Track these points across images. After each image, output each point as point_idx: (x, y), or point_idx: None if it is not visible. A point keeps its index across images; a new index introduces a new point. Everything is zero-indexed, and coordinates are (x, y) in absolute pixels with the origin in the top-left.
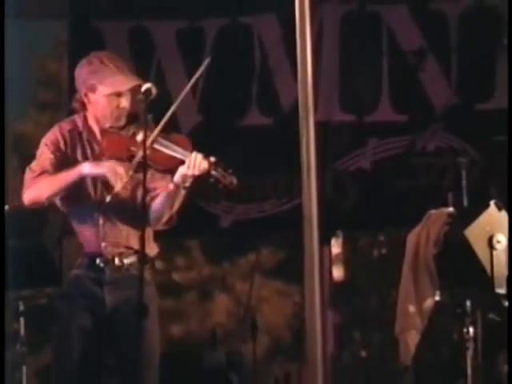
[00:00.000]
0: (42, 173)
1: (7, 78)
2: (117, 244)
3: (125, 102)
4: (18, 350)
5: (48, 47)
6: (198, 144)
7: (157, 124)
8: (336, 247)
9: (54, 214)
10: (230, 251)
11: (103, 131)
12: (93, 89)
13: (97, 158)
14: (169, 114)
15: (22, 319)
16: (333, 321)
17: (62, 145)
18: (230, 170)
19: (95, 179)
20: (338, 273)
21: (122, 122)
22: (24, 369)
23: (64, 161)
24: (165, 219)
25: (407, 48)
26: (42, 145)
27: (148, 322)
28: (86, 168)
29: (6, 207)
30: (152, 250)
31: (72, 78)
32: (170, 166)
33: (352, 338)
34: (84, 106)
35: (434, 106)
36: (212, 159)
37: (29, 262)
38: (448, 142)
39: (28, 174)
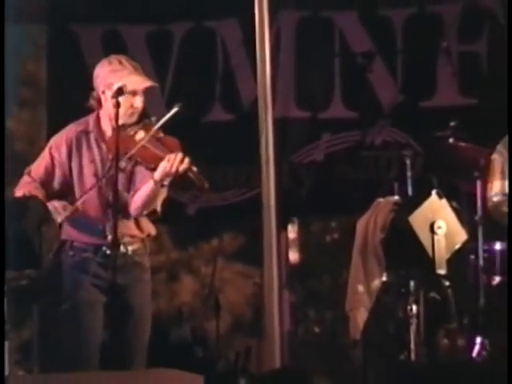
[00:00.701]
0: (32, 181)
1: None
2: (121, 234)
3: (138, 102)
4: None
5: (28, 49)
6: None
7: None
8: (292, 233)
9: (34, 203)
10: (195, 237)
11: (113, 133)
12: (110, 87)
13: (104, 155)
14: (162, 121)
15: (5, 299)
16: (289, 300)
17: (64, 150)
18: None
19: None
20: (293, 256)
21: (134, 119)
22: (6, 344)
23: (60, 168)
24: (145, 212)
25: (357, 50)
26: (46, 148)
27: (144, 308)
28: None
29: None
30: (153, 231)
31: (50, 78)
32: (156, 165)
33: (306, 315)
34: (100, 104)
35: (382, 103)
36: (187, 161)
37: (11, 247)
38: (394, 137)
39: (25, 178)
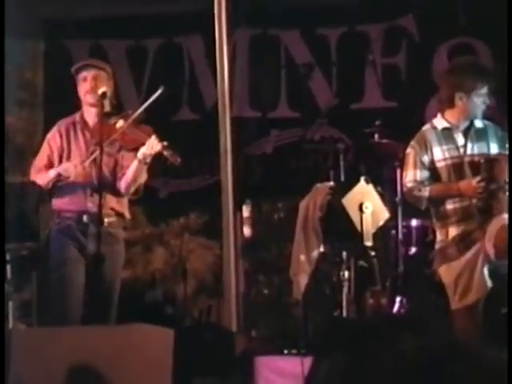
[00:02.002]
0: (39, 172)
1: None
2: (100, 206)
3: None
4: (6, 290)
5: (27, 60)
6: None
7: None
8: (246, 212)
9: (33, 188)
10: (166, 215)
11: (95, 122)
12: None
13: (87, 142)
14: (138, 111)
15: (8, 266)
16: (243, 267)
17: (58, 139)
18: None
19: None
20: (247, 231)
21: (107, 108)
22: (10, 303)
23: (59, 151)
24: (133, 188)
25: (299, 62)
26: (45, 141)
27: (115, 268)
28: (51, 173)
29: None
30: (127, 214)
31: (46, 84)
32: (136, 146)
33: (257, 279)
34: (81, 103)
35: (320, 105)
36: (164, 143)
37: (14, 223)
38: (329, 133)
39: (32, 171)
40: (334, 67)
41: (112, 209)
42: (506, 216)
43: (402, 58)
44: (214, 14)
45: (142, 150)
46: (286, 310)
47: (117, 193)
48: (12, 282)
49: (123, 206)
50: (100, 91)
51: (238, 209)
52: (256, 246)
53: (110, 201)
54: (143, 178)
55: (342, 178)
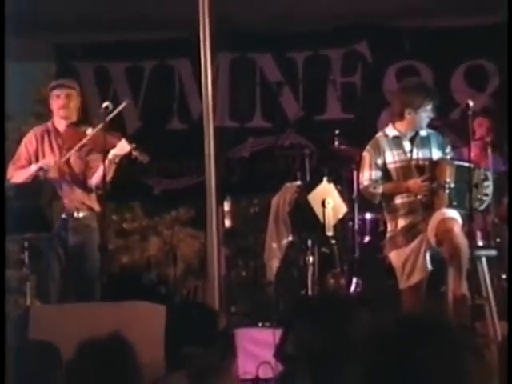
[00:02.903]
0: (17, 168)
1: (16, 99)
2: (77, 202)
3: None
4: (24, 272)
5: (41, 79)
6: (140, 141)
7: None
8: (227, 207)
9: (47, 186)
10: (160, 210)
11: (66, 129)
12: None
13: (60, 146)
14: (106, 120)
15: (26, 252)
16: (224, 253)
17: (34, 143)
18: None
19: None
20: (228, 223)
21: (71, 118)
22: (28, 284)
23: (35, 153)
24: (101, 185)
25: (271, 80)
26: (22, 144)
27: (93, 253)
28: (33, 167)
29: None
30: (96, 207)
31: None
32: (107, 149)
33: (236, 264)
34: (52, 114)
35: (289, 117)
36: (133, 145)
37: (30, 216)
38: (297, 140)
39: (10, 167)
40: (301, 85)
41: (83, 203)
42: (445, 210)
43: (357, 78)
44: (199, 41)
45: (113, 152)
46: (261, 289)
47: (87, 190)
48: (29, 265)
49: (93, 201)
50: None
51: (219, 204)
52: (235, 235)
53: (82, 197)
54: (111, 175)
55: (308, 179)
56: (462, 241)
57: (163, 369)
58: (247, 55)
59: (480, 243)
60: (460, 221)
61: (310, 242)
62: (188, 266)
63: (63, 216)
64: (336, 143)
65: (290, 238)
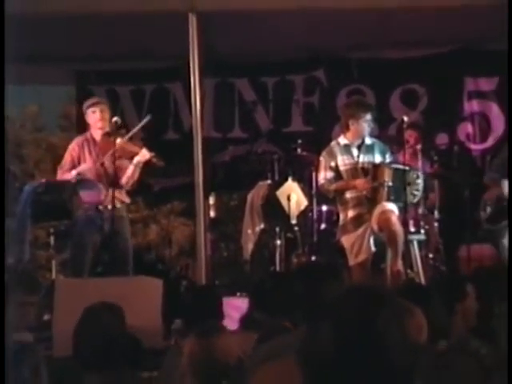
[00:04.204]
0: (64, 172)
1: (44, 115)
2: (108, 197)
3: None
4: (50, 252)
5: (65, 99)
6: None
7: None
8: (212, 200)
9: (68, 186)
10: (158, 203)
11: (101, 138)
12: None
13: (97, 153)
14: (131, 133)
15: (52, 236)
16: (210, 238)
17: (76, 150)
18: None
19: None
20: (212, 213)
21: (106, 128)
22: (53, 262)
23: (77, 159)
24: (130, 184)
25: (247, 100)
26: (67, 151)
27: (126, 237)
28: (73, 173)
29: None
30: (127, 200)
31: (78, 115)
32: (132, 156)
33: (219, 246)
34: (89, 127)
35: (261, 129)
36: (152, 153)
37: (55, 207)
38: (268, 148)
39: (59, 171)
40: (271, 103)
41: (116, 198)
42: (384, 204)
43: (316, 98)
44: (190, 69)
45: (137, 158)
46: (239, 266)
47: (119, 187)
48: (54, 247)
49: (123, 196)
50: (113, 120)
51: (206, 198)
52: (218, 223)
53: (116, 193)
54: (136, 176)
55: (276, 178)
56: (398, 228)
57: (160, 328)
58: (228, 80)
59: (412, 229)
60: (397, 212)
61: (277, 229)
62: (180, 248)
63: (100, 207)
64: (298, 150)
65: (262, 226)
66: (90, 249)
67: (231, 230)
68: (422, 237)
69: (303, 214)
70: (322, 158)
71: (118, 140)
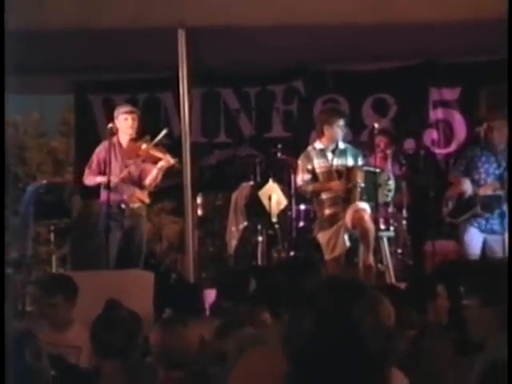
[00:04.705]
0: (90, 173)
1: (46, 122)
2: (134, 197)
3: (131, 121)
4: (51, 248)
5: (64, 106)
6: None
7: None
8: (199, 200)
9: (68, 186)
10: (150, 202)
11: (127, 143)
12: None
13: (122, 156)
14: (155, 141)
15: (52, 233)
16: (197, 234)
17: (103, 152)
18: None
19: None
20: (200, 212)
21: (134, 135)
22: (53, 257)
23: (103, 162)
24: (153, 186)
25: (232, 108)
26: (94, 153)
27: (142, 232)
28: (98, 179)
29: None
30: (147, 200)
31: (77, 121)
32: (156, 160)
33: (206, 242)
34: (117, 131)
35: (244, 135)
36: (176, 159)
37: (55, 206)
38: (250, 152)
39: (87, 171)
40: (253, 111)
41: (138, 198)
42: (358, 203)
43: (294, 106)
44: (179, 79)
45: (161, 163)
46: (224, 261)
47: (142, 187)
48: (54, 243)
49: (145, 196)
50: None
51: (194, 198)
52: (205, 221)
53: (137, 193)
54: (159, 179)
55: (258, 180)
56: (370, 225)
57: (151, 317)
58: (214, 90)
59: (382, 227)
60: (369, 211)
61: (259, 226)
62: (170, 244)
63: (122, 206)
64: (278, 154)
65: (245, 224)
66: (115, 242)
67: (217, 227)
68: (391, 233)
69: (283, 213)
70: (299, 162)
71: (144, 146)
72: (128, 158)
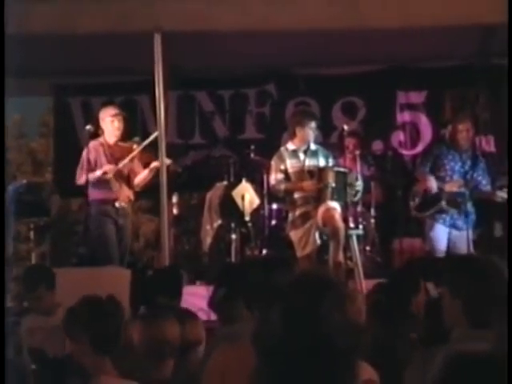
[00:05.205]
0: (83, 173)
1: (26, 123)
2: (123, 196)
3: (116, 125)
4: (30, 246)
5: (44, 108)
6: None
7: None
8: (174, 199)
9: (47, 185)
10: None
11: (115, 143)
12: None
13: (112, 155)
14: (146, 142)
15: (31, 231)
16: (173, 232)
17: (91, 155)
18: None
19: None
20: (175, 211)
21: (120, 136)
22: (33, 254)
23: (94, 161)
24: (141, 186)
25: (206, 110)
26: (84, 153)
27: (128, 228)
28: (98, 172)
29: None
30: (132, 198)
31: (56, 123)
32: (148, 161)
33: (181, 240)
34: (103, 132)
35: (218, 136)
36: (171, 161)
37: (35, 205)
38: (225, 152)
39: (79, 171)
40: (227, 114)
41: (127, 197)
42: (328, 202)
43: (267, 109)
44: (155, 83)
45: (154, 164)
46: (198, 258)
47: (131, 187)
48: (34, 240)
49: (132, 195)
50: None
51: (169, 198)
52: (180, 220)
53: (127, 192)
54: (149, 179)
55: (232, 180)
56: (340, 224)
57: (128, 314)
58: (189, 93)
59: (352, 225)
60: (339, 209)
61: (233, 225)
62: (147, 241)
63: (116, 205)
64: (252, 155)
65: (219, 222)
66: (113, 239)
67: (192, 226)
68: (360, 232)
69: (256, 212)
70: (272, 162)
71: (134, 146)
72: (119, 158)
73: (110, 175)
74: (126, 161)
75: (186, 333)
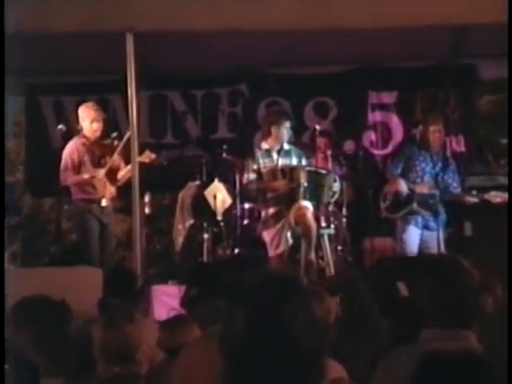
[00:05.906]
0: (69, 174)
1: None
2: (107, 192)
3: (97, 125)
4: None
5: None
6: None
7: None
8: (147, 199)
9: (19, 183)
10: None
11: (96, 141)
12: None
13: (94, 153)
14: (124, 140)
15: (5, 230)
16: (145, 232)
17: (76, 153)
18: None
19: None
20: (147, 210)
21: (99, 135)
22: (5, 253)
23: (76, 162)
24: (123, 181)
25: (178, 110)
26: (67, 154)
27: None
28: (85, 176)
29: None
30: (114, 195)
31: (27, 123)
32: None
33: (153, 239)
34: (81, 130)
35: (191, 136)
36: (155, 155)
37: (8, 205)
38: (197, 152)
39: (64, 173)
40: (199, 113)
41: (111, 193)
42: (301, 202)
43: (239, 109)
44: (127, 82)
45: (139, 159)
46: (170, 257)
47: (113, 183)
48: (6, 239)
49: (115, 191)
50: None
51: (141, 197)
52: (152, 219)
53: (110, 188)
54: (129, 174)
55: (204, 179)
56: (312, 223)
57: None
58: (161, 92)
59: (323, 224)
60: (311, 209)
61: (205, 224)
62: (119, 241)
63: (103, 204)
64: (224, 154)
65: (192, 221)
66: (95, 238)
67: (164, 225)
68: (331, 231)
69: (228, 211)
70: (245, 162)
71: (115, 142)
72: (101, 156)
73: (97, 178)
74: (110, 163)
75: (129, 334)
